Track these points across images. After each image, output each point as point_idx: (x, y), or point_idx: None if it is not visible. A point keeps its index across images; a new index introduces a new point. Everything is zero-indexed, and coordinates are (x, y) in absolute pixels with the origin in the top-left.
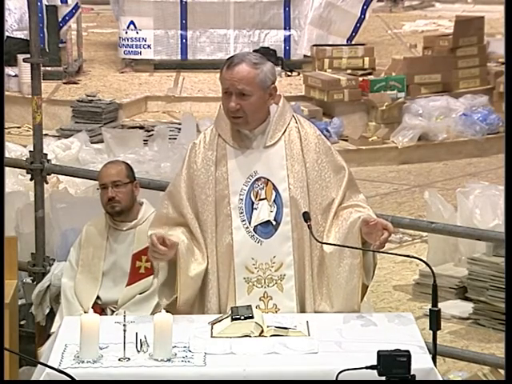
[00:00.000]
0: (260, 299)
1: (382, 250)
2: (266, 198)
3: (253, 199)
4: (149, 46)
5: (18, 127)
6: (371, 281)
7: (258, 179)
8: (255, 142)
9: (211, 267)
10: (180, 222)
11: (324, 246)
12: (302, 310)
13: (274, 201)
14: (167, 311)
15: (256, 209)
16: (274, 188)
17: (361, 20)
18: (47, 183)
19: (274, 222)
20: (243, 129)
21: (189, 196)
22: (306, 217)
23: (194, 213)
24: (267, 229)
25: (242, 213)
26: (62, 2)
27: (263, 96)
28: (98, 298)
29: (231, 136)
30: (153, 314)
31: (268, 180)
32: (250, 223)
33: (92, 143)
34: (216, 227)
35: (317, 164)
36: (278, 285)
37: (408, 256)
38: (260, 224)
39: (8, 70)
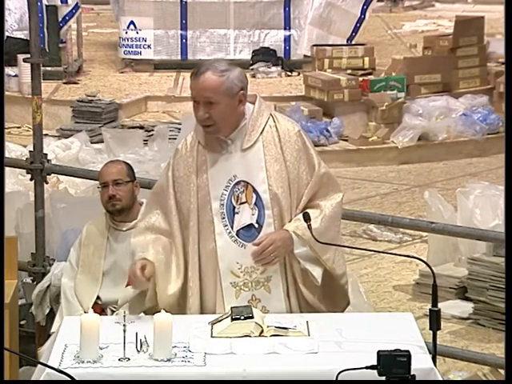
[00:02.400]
0: (248, 302)
1: (382, 250)
2: (246, 202)
3: (234, 203)
4: (149, 46)
5: (18, 127)
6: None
7: (237, 183)
8: (232, 145)
9: (192, 275)
10: (167, 234)
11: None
12: (290, 309)
13: (255, 203)
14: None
15: (237, 213)
16: (254, 191)
17: (361, 20)
18: (47, 183)
19: (256, 225)
20: (216, 136)
21: (177, 204)
22: (306, 217)
23: (180, 223)
24: (250, 232)
25: (223, 218)
26: (62, 1)
27: (231, 103)
28: (98, 297)
29: (210, 142)
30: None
31: (247, 183)
32: (232, 228)
33: (92, 143)
34: (199, 234)
35: (296, 162)
36: (265, 287)
37: (408, 256)
38: (242, 228)
39: (8, 70)
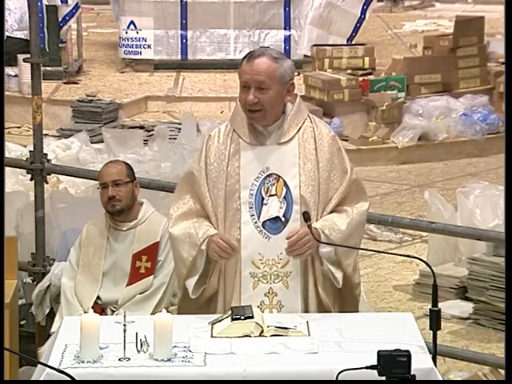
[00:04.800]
0: (265, 295)
1: (382, 250)
2: (276, 195)
3: (263, 195)
4: (149, 46)
5: (18, 127)
6: (346, 283)
7: (269, 175)
8: (269, 138)
9: (216, 262)
10: (205, 217)
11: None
12: (306, 308)
13: (284, 197)
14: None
15: (266, 204)
16: (285, 185)
17: (361, 20)
18: (47, 183)
19: (283, 219)
20: (259, 123)
21: (208, 189)
22: (306, 217)
23: (213, 209)
24: (276, 225)
25: (251, 208)
26: (62, 1)
27: (281, 91)
28: (98, 297)
29: (246, 131)
30: (153, 313)
31: (279, 176)
32: (258, 218)
33: (92, 143)
34: (225, 221)
35: (329, 164)
36: (283, 281)
37: (408, 256)
38: (269, 220)
39: (8, 70)
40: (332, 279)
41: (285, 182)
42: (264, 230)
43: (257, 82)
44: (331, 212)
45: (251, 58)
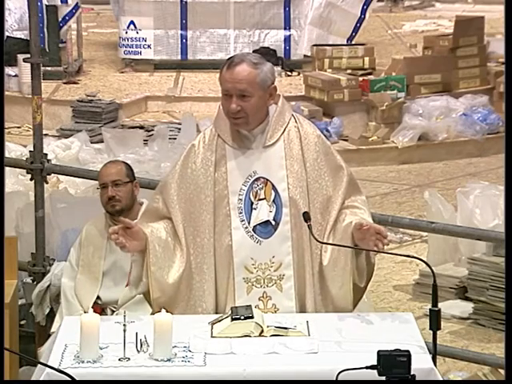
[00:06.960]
0: (259, 299)
1: (382, 250)
2: (265, 198)
3: (252, 199)
4: (149, 46)
5: (18, 127)
6: (366, 283)
7: (257, 179)
8: (254, 142)
9: (208, 267)
10: (169, 217)
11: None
12: (302, 309)
13: (274, 201)
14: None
15: (255, 209)
16: (273, 188)
17: (361, 20)
18: (47, 183)
19: (273, 222)
20: (243, 129)
21: (178, 195)
22: (306, 217)
23: (181, 213)
24: (266, 229)
25: (241, 213)
26: (62, 1)
27: (263, 96)
28: (98, 297)
29: (231, 136)
30: (153, 314)
31: (267, 180)
32: (249, 223)
33: (92, 143)
34: (215, 228)
35: (316, 163)
36: (277, 285)
37: (408, 256)
38: (259, 224)
39: (8, 70)
40: (358, 279)
41: (273, 185)
42: (255, 235)
43: (238, 90)
44: (340, 209)
45: (231, 65)
